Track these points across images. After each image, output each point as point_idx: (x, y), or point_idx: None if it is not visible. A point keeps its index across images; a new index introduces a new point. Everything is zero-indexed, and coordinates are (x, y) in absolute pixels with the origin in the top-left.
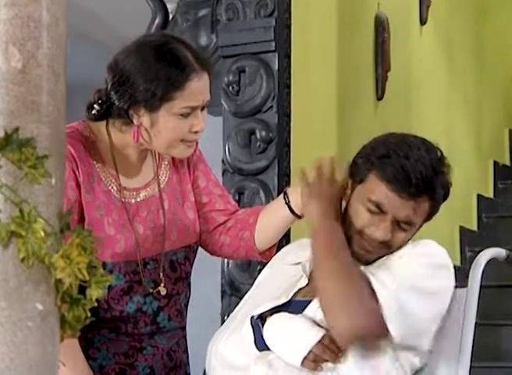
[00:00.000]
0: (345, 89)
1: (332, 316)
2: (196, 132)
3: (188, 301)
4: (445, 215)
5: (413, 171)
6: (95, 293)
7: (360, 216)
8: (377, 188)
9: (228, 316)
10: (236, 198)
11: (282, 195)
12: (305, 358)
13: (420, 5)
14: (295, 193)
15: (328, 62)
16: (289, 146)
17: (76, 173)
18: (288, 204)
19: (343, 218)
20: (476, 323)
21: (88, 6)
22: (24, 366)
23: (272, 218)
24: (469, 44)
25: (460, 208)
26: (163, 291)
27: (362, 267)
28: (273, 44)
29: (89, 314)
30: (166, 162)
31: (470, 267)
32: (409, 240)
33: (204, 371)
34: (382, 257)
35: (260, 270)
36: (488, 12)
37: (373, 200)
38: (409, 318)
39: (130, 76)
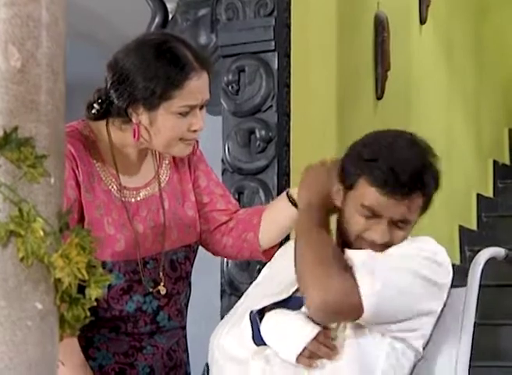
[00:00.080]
0: (345, 88)
1: (304, 286)
2: (195, 131)
3: (188, 301)
4: (444, 214)
5: (401, 171)
6: (94, 292)
7: (356, 221)
8: (368, 193)
9: None
10: (236, 197)
11: (284, 196)
12: (300, 354)
13: (420, 5)
14: (296, 193)
15: (327, 61)
16: (288, 145)
17: (76, 172)
18: (294, 204)
19: (339, 224)
20: (475, 323)
21: (88, 5)
22: (23, 365)
23: (277, 218)
24: (469, 43)
25: (460, 207)
26: (163, 291)
27: None
28: (273, 43)
29: (88, 313)
30: (167, 162)
31: (469, 266)
32: (407, 235)
33: (205, 370)
34: None
35: (259, 270)
36: (488, 12)
37: (366, 205)
38: (390, 294)
39: (130, 75)
